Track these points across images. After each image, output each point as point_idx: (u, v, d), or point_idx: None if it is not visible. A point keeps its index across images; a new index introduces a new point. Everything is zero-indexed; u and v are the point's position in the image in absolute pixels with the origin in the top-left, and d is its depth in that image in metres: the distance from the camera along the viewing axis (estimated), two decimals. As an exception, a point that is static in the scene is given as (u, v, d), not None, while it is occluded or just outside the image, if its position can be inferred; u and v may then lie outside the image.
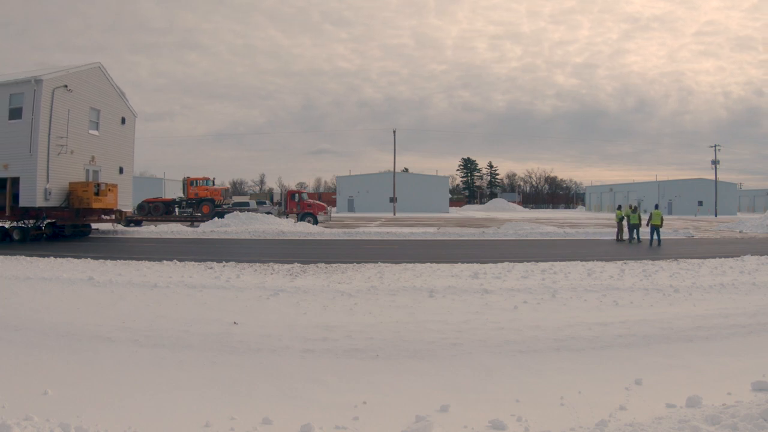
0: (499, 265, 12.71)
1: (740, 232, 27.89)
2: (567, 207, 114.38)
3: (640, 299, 8.90)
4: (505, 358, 5.92)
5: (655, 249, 18.81)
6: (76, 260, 13.45)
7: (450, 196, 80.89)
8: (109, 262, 13.05)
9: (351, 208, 67.98)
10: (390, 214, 55.11)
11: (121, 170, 26.13)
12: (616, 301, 8.67)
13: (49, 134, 21.14)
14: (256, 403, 4.64)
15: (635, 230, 21.56)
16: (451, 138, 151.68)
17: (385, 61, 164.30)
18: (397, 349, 6.23)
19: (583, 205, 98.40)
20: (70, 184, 22.19)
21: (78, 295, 9.07)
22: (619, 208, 23.43)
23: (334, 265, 13.03)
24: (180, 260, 13.53)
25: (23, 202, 21.04)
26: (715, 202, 61.15)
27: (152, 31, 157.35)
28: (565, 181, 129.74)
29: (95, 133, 24.25)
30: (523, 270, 11.91)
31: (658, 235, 20.34)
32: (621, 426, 3.77)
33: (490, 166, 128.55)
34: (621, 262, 13.76)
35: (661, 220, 20.59)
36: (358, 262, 13.45)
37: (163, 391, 4.91)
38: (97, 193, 22.18)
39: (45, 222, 22.52)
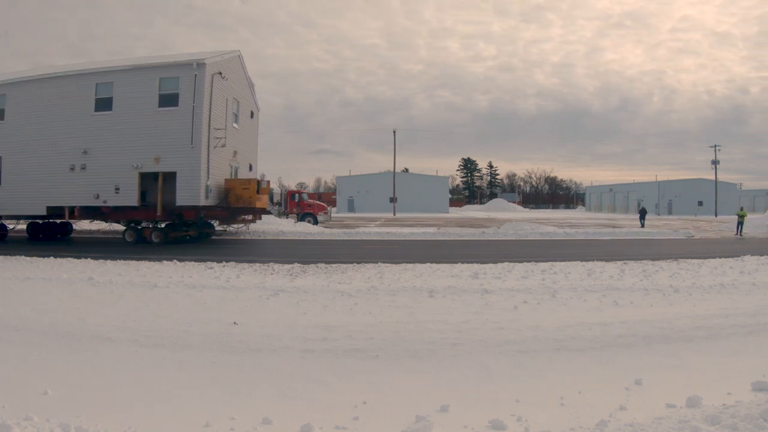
0: (499, 265, 12.72)
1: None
2: (567, 207, 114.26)
3: (640, 299, 8.90)
4: (505, 358, 5.92)
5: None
6: (75, 260, 13.44)
7: (450, 196, 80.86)
8: (109, 262, 13.05)
9: (351, 208, 67.93)
10: (390, 214, 55.07)
11: (250, 167, 23.87)
12: (616, 301, 8.67)
13: (209, 125, 18.66)
14: (256, 403, 4.64)
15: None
16: (441, 138, 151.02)
17: (361, 62, 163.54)
18: (397, 349, 6.23)
19: (583, 205, 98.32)
20: (227, 181, 20.11)
21: (78, 295, 9.07)
22: (742, 208, 29.94)
23: (334, 265, 13.03)
24: (180, 260, 13.53)
25: (182, 201, 18.43)
26: (715, 203, 61.06)
27: (127, 36, 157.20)
28: (564, 181, 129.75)
29: (236, 126, 21.71)
30: (523, 270, 11.91)
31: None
32: (621, 426, 3.77)
33: (490, 166, 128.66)
34: (621, 262, 13.77)
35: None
36: (358, 262, 13.46)
37: (163, 391, 4.91)
38: (258, 192, 19.93)
39: (200, 223, 20.22)
